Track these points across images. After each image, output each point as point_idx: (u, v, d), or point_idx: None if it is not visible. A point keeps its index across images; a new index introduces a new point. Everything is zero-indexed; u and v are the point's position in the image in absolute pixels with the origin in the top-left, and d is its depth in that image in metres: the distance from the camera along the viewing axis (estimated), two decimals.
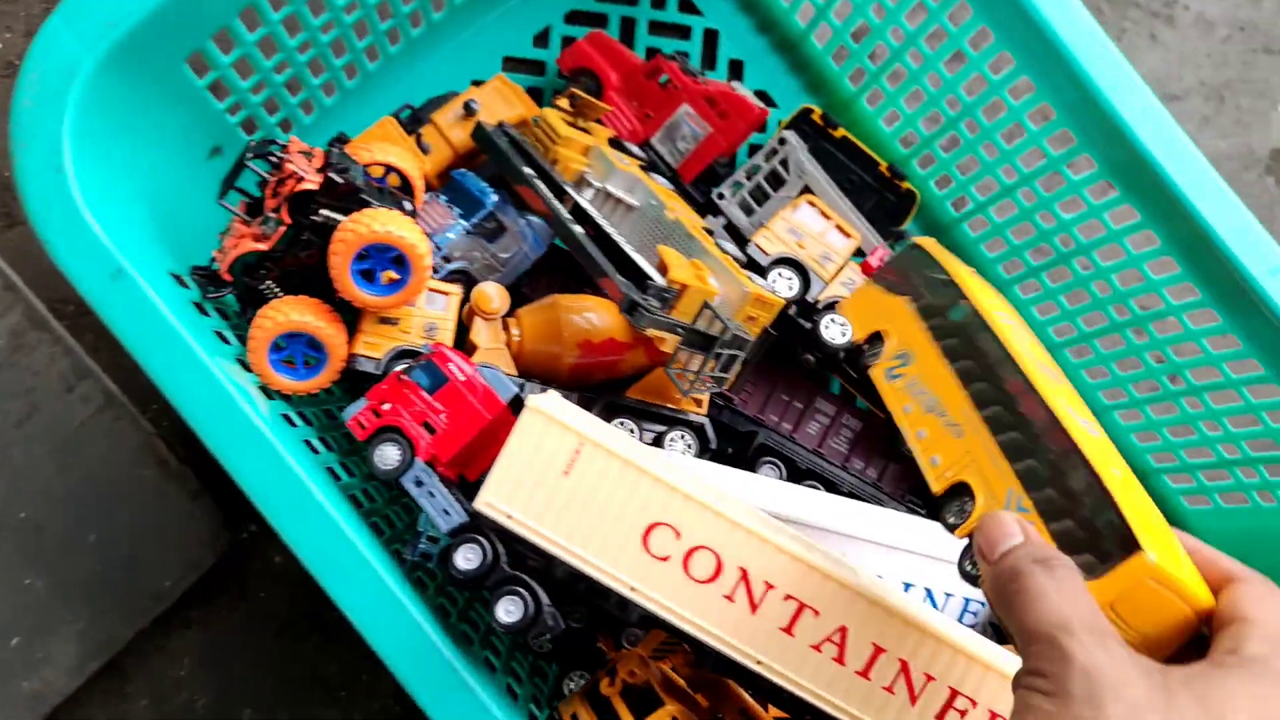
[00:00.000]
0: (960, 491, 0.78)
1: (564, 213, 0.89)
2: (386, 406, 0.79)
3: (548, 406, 0.75)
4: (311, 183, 0.84)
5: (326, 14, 0.95)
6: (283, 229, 0.85)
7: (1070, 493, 0.72)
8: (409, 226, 0.82)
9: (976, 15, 0.94)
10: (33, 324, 1.07)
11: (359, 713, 1.11)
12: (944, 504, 0.78)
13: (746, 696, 0.87)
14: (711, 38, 1.16)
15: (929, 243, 0.89)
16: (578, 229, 0.88)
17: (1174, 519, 1.13)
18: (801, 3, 1.11)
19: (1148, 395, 1.07)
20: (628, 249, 0.89)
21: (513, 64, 1.13)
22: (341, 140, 0.92)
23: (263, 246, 0.86)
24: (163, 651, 1.11)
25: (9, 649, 1.05)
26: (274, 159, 0.86)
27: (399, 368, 0.84)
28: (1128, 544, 0.66)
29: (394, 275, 0.83)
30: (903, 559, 0.90)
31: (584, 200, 0.93)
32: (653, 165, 1.05)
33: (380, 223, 0.81)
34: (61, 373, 1.07)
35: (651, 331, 0.86)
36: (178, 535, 1.08)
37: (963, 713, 0.73)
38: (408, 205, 0.88)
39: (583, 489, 0.74)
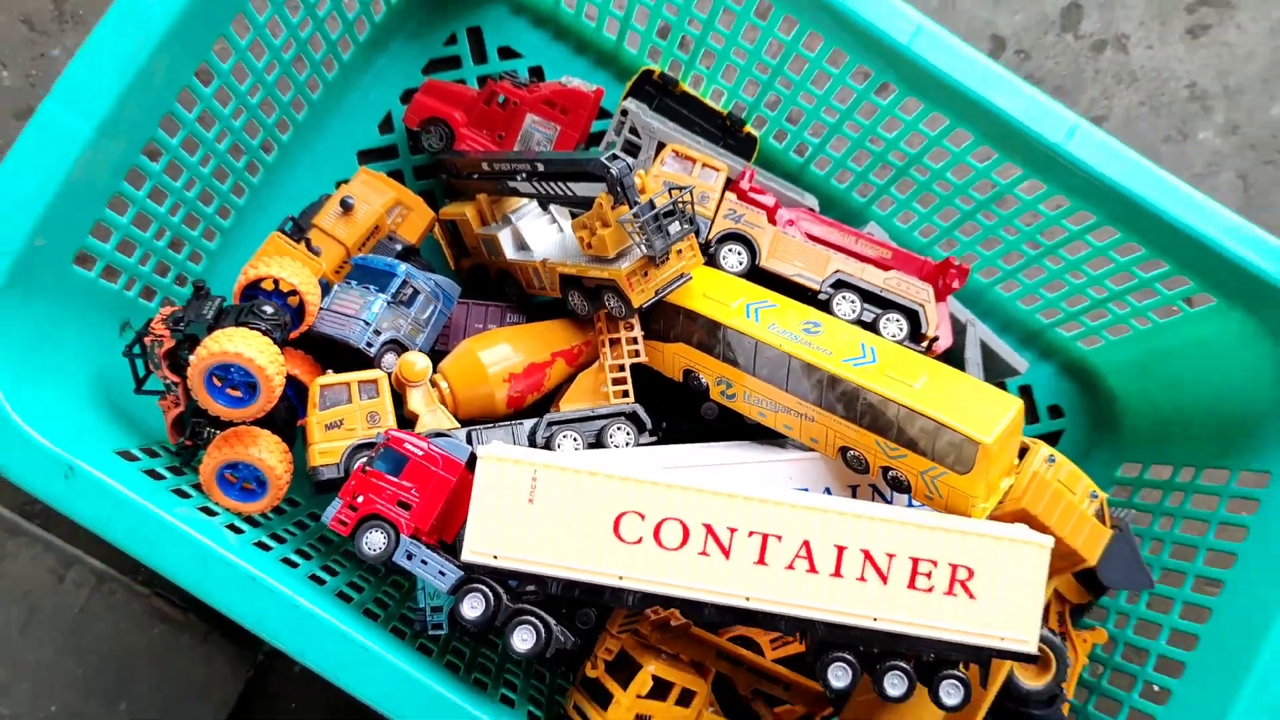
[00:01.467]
0: (847, 450, 0.96)
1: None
2: (360, 499, 0.86)
3: (497, 451, 0.83)
4: (170, 342, 0.92)
5: (186, 173, 1.02)
6: (181, 386, 0.93)
7: (899, 425, 0.88)
8: (252, 342, 0.87)
9: None
10: (10, 533, 1.12)
11: None
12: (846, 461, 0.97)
13: (718, 639, 0.96)
14: (536, 71, 1.24)
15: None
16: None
17: (1077, 362, 1.26)
18: (604, 19, 1.20)
19: (1017, 265, 1.18)
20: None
21: (367, 155, 1.21)
22: (198, 290, 0.96)
23: (177, 409, 0.95)
24: None
25: None
26: (143, 340, 0.94)
27: (360, 461, 0.91)
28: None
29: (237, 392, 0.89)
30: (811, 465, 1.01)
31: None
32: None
33: (220, 343, 0.86)
34: (50, 567, 1.13)
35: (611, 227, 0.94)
36: (201, 678, 1.15)
37: (929, 575, 0.82)
38: (268, 312, 0.94)
39: (549, 509, 0.83)
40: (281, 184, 1.17)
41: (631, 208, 0.92)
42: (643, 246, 0.93)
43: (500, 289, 1.12)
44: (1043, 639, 0.96)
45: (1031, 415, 1.26)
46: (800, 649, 1.01)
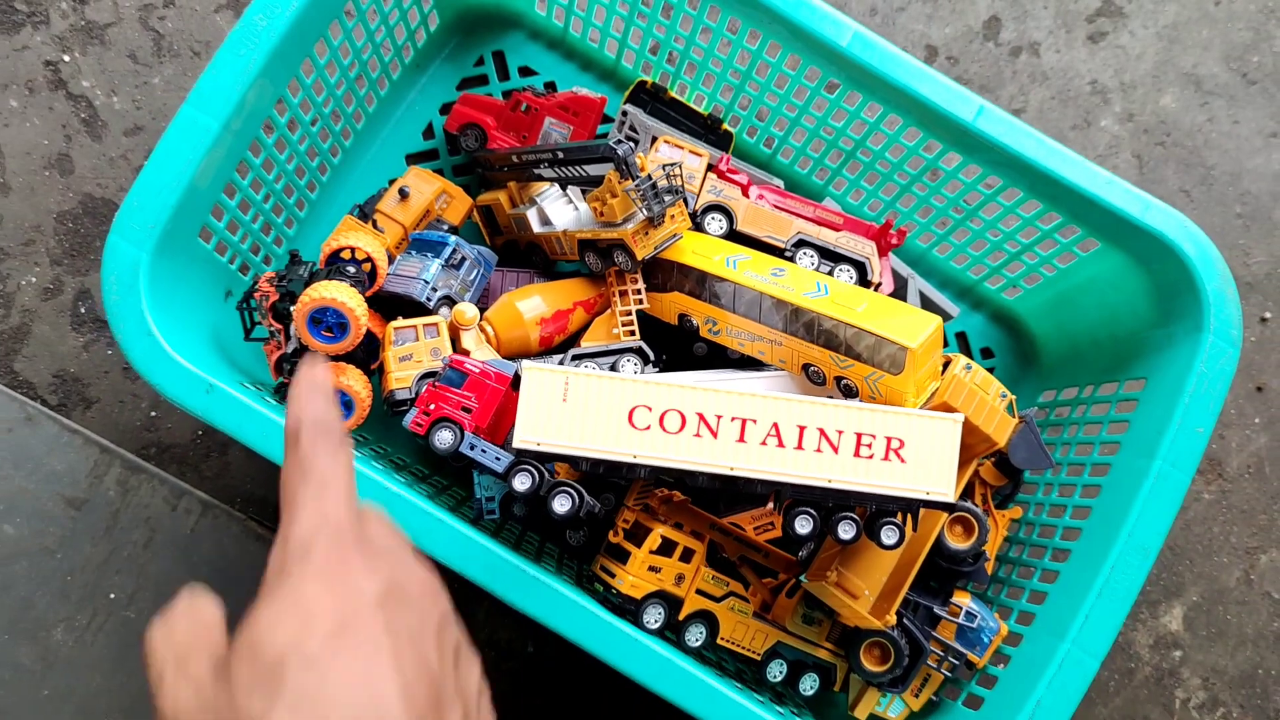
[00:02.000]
0: (808, 366, 1.21)
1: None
2: (432, 407, 1.12)
3: (538, 364, 1.09)
4: (275, 296, 1.18)
5: (275, 168, 1.28)
6: (282, 333, 1.19)
7: (847, 342, 1.14)
8: (340, 289, 1.12)
9: (725, 10, 1.30)
10: (132, 471, 1.37)
11: None
12: (808, 376, 1.23)
13: (706, 513, 1.22)
14: (550, 85, 1.51)
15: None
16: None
17: (1002, 310, 1.52)
18: (605, 41, 1.48)
19: (948, 229, 1.44)
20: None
21: (413, 158, 1.47)
22: (294, 258, 1.24)
23: (279, 352, 1.21)
24: None
25: None
26: (254, 297, 1.20)
27: (429, 381, 1.17)
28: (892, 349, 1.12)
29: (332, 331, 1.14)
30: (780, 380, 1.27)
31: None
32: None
33: (316, 292, 1.12)
34: (165, 498, 1.38)
35: (618, 194, 1.19)
36: None
37: (869, 446, 1.07)
38: (351, 271, 1.20)
39: (578, 407, 1.08)
40: (343, 183, 1.43)
41: (634, 180, 1.19)
42: (643, 210, 1.20)
43: (529, 258, 1.38)
44: (967, 510, 1.22)
45: (967, 357, 1.52)
46: (776, 534, 1.26)
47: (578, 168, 1.27)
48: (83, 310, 1.41)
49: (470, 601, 1.41)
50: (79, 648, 1.34)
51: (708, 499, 1.24)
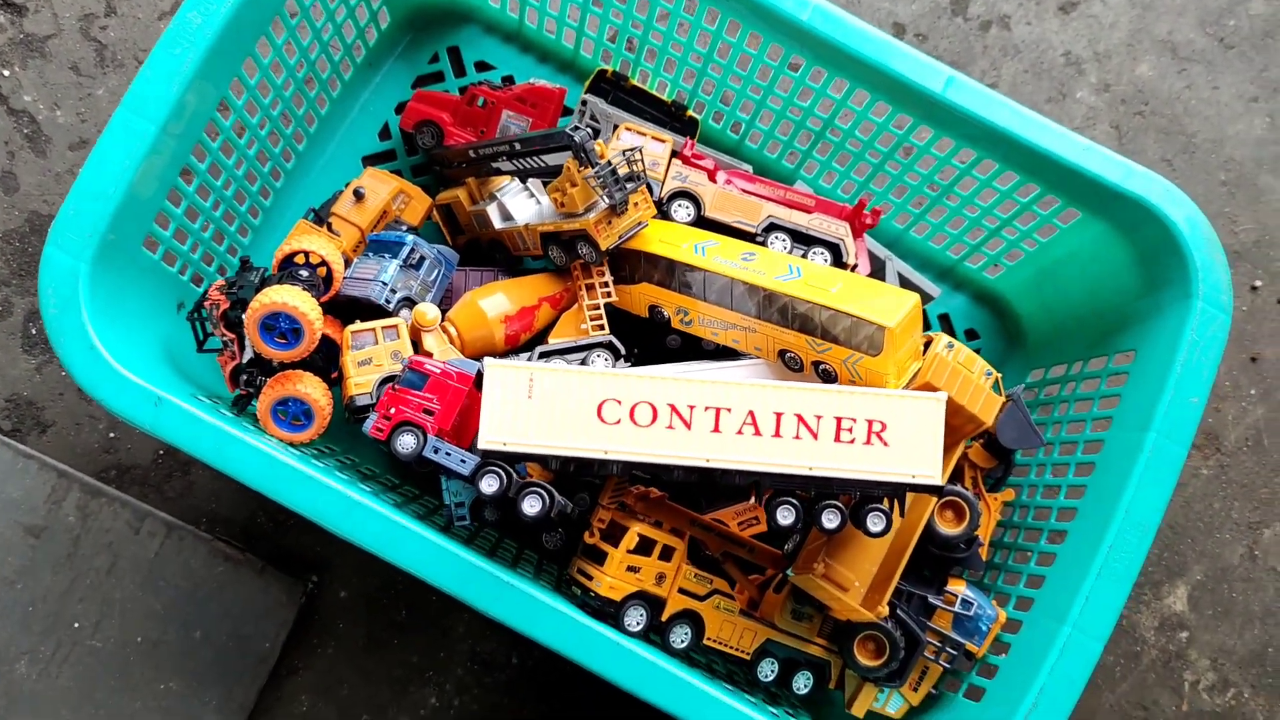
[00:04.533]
0: (785, 352, 1.17)
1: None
2: (392, 411, 1.07)
3: (501, 360, 1.04)
4: (226, 304, 1.13)
5: (224, 174, 1.24)
6: (236, 342, 1.14)
7: (822, 325, 1.09)
8: (293, 293, 1.07)
9: None
10: (91, 495, 1.32)
11: (449, 681, 1.37)
12: (785, 363, 1.18)
13: (685, 509, 1.17)
14: (509, 79, 1.47)
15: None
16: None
17: (986, 290, 1.47)
18: (563, 31, 1.43)
19: (924, 207, 1.40)
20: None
21: (370, 159, 1.42)
22: (245, 264, 1.19)
23: (234, 362, 1.16)
24: (283, 699, 1.36)
25: None
26: (204, 306, 1.15)
27: (388, 387, 1.12)
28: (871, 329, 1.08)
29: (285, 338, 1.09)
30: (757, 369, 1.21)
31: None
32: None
33: (270, 296, 1.07)
34: (127, 521, 1.33)
35: (579, 184, 1.15)
36: (261, 606, 1.34)
37: (850, 430, 1.03)
38: (304, 275, 1.15)
39: (544, 403, 1.03)
40: (298, 188, 1.39)
41: (593, 167, 1.14)
42: (604, 198, 1.15)
43: (491, 256, 1.34)
44: (957, 494, 1.17)
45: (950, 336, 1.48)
46: (762, 529, 1.21)
47: (536, 158, 1.22)
48: (34, 331, 1.36)
49: (449, 614, 1.37)
50: (44, 681, 1.29)
51: (687, 494, 1.19)
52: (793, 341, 1.16)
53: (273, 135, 1.30)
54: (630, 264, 1.24)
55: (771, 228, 1.27)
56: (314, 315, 1.09)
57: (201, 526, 1.35)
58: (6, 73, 1.39)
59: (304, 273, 1.15)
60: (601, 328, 1.22)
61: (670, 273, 1.21)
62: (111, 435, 1.36)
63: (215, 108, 1.15)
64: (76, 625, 1.31)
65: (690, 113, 1.40)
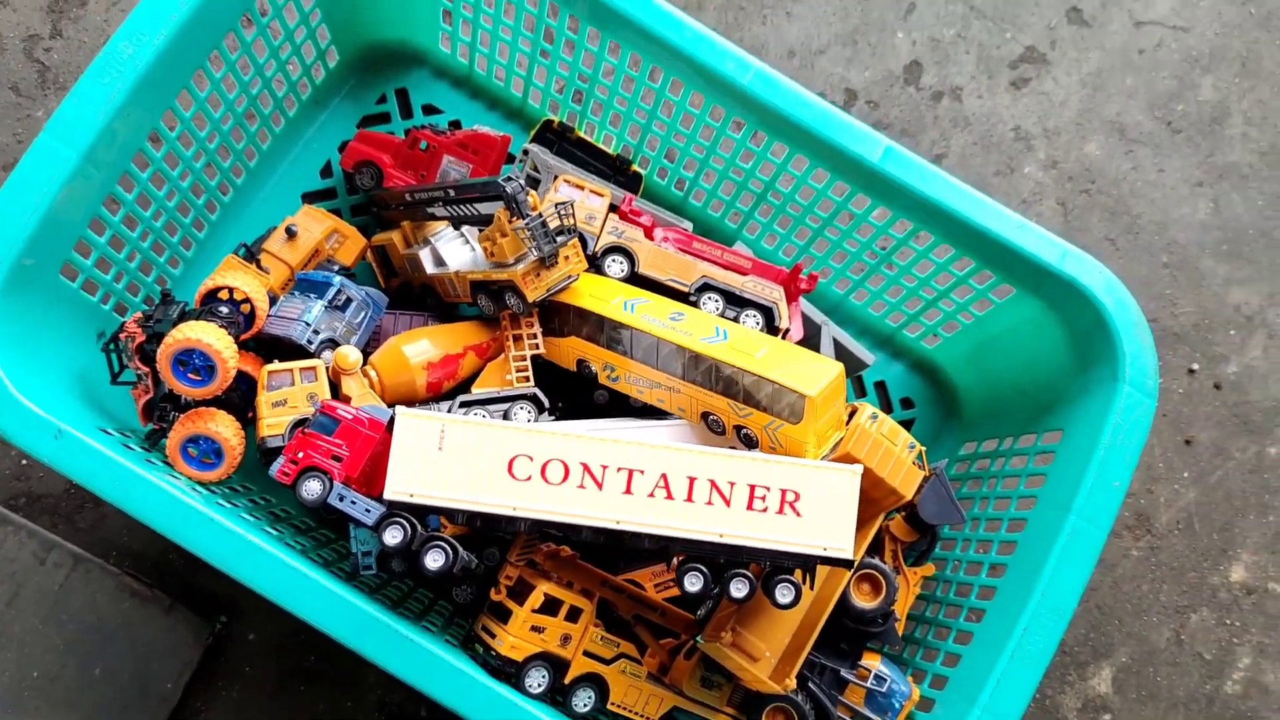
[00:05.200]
0: (708, 415, 1.16)
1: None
2: (300, 455, 1.05)
3: (413, 410, 1.02)
4: (140, 337, 1.11)
5: (154, 205, 1.22)
6: (150, 376, 1.12)
7: (745, 389, 1.09)
8: (206, 330, 1.06)
9: (626, 48, 1.26)
10: None
11: None
12: (707, 425, 1.17)
13: (597, 569, 1.15)
14: (455, 124, 1.46)
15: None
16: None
17: (923, 360, 1.47)
18: (511, 79, 1.43)
19: (863, 274, 1.39)
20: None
21: (310, 197, 1.41)
22: (166, 297, 1.16)
23: (147, 396, 1.13)
24: None
25: None
26: (119, 338, 1.13)
27: (297, 431, 1.10)
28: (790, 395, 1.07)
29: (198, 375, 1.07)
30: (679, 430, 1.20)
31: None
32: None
33: (184, 332, 1.05)
34: (33, 551, 1.29)
35: (509, 233, 1.14)
36: (166, 645, 1.31)
37: (763, 498, 1.01)
38: (225, 312, 1.13)
39: (455, 455, 1.01)
40: (235, 221, 1.37)
41: (524, 219, 1.13)
42: (534, 250, 1.14)
43: (423, 301, 1.32)
44: (874, 567, 1.16)
45: (886, 408, 1.47)
46: (676, 593, 1.19)
47: (470, 206, 1.21)
48: None
49: (360, 664, 1.33)
50: None
51: (601, 554, 1.17)
52: (716, 404, 1.15)
53: (208, 168, 1.29)
54: (560, 317, 1.23)
55: (705, 288, 1.26)
56: (228, 353, 1.07)
57: (111, 560, 1.32)
58: None
59: (224, 309, 1.13)
60: (527, 379, 1.21)
61: (599, 328, 1.20)
62: (24, 462, 1.33)
63: (145, 138, 1.14)
64: None
65: (635, 167, 1.40)
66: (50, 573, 1.29)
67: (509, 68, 1.40)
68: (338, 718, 1.34)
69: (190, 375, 1.08)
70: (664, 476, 1.03)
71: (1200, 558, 1.51)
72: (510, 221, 1.14)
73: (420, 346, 1.20)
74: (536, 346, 1.22)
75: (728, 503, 1.02)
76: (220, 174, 1.32)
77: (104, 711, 1.28)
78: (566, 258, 1.17)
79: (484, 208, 1.20)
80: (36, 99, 1.40)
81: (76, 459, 0.99)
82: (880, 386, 1.48)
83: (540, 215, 1.13)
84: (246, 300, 1.16)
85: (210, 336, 1.06)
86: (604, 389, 1.26)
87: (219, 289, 1.15)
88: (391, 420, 1.05)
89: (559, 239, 1.15)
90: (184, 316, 1.12)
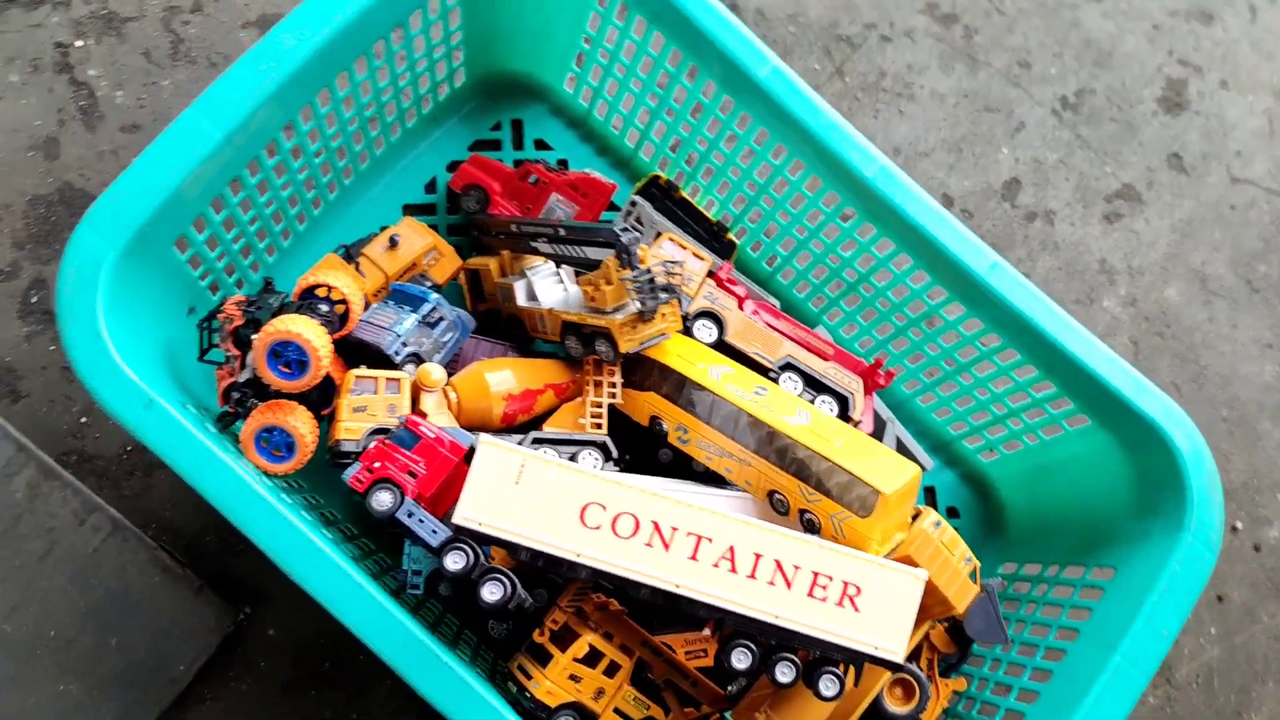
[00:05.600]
0: (774, 493, 1.17)
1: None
2: (376, 465, 1.05)
3: (496, 440, 1.03)
4: (240, 321, 1.12)
5: (270, 193, 1.23)
6: (239, 360, 1.13)
7: (819, 475, 1.10)
8: (305, 324, 1.07)
9: (756, 121, 1.28)
10: (45, 476, 1.29)
11: None
12: (771, 504, 1.18)
13: (645, 632, 1.15)
14: (562, 163, 1.48)
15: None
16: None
17: (976, 472, 1.47)
18: (627, 130, 1.45)
19: (935, 379, 1.40)
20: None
21: (411, 209, 1.43)
22: (268, 285, 1.18)
23: (230, 379, 1.14)
24: None
25: None
26: (217, 318, 1.14)
27: (379, 437, 1.10)
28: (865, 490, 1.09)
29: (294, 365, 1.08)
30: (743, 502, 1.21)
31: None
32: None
33: (279, 325, 1.06)
34: (74, 510, 1.29)
35: (615, 281, 1.15)
36: (187, 626, 1.30)
37: (825, 587, 1.01)
38: (323, 310, 1.14)
39: (530, 492, 1.02)
40: (334, 220, 1.39)
41: (633, 270, 1.14)
42: (636, 303, 1.15)
43: (507, 331, 1.33)
44: (911, 673, 1.16)
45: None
46: (708, 663, 1.19)
47: (577, 248, 1.23)
48: (34, 300, 1.34)
49: (373, 678, 1.33)
50: None
51: (644, 613, 1.17)
52: (785, 484, 1.15)
53: (325, 165, 1.30)
54: (642, 370, 1.24)
55: (787, 366, 1.28)
56: (324, 351, 1.08)
57: (149, 532, 1.31)
58: (80, 43, 1.40)
59: (323, 307, 1.14)
60: (599, 427, 1.22)
61: (679, 388, 1.21)
62: (83, 420, 1.33)
63: (280, 128, 1.15)
64: None
65: (731, 236, 1.41)
66: (87, 535, 1.29)
67: (628, 118, 1.42)
68: None
69: (282, 367, 1.08)
70: (731, 549, 1.03)
71: (1215, 715, 1.51)
72: (618, 270, 1.15)
73: (503, 376, 1.21)
74: (615, 396, 1.23)
75: (789, 585, 1.03)
76: (333, 172, 1.33)
77: (112, 683, 1.27)
78: (663, 315, 1.19)
79: (590, 252, 1.21)
80: (165, 69, 1.43)
81: (162, 432, 1.00)
82: (929, 491, 1.48)
83: (649, 271, 1.15)
84: (343, 301, 1.17)
85: (310, 332, 1.07)
86: (670, 448, 1.26)
87: (319, 286, 1.16)
88: (472, 447, 1.06)
89: (662, 295, 1.16)
90: (283, 308, 1.13)
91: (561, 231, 1.23)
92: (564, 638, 1.11)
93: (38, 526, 1.28)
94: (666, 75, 1.32)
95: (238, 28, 1.45)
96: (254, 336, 1.10)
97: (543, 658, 1.10)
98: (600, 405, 1.22)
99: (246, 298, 1.15)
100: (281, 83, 1.07)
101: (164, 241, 1.11)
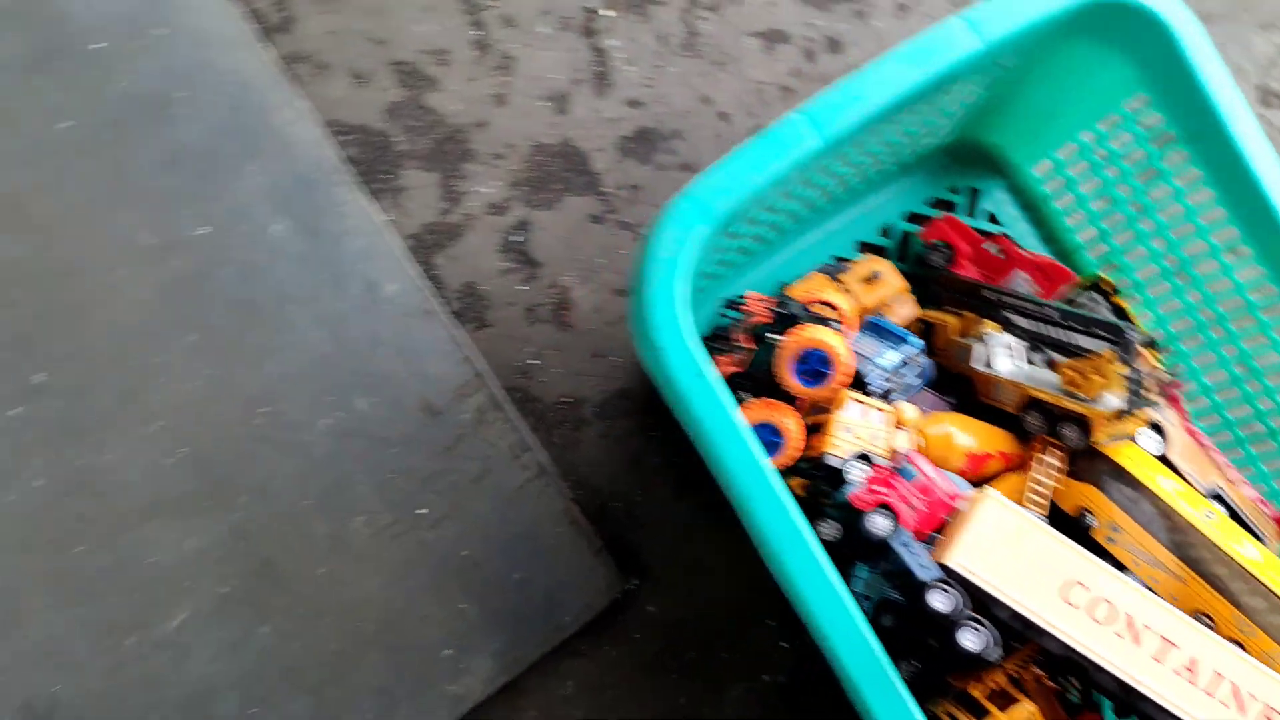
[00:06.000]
0: (1201, 614, 1.18)
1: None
2: (881, 490, 1.10)
3: (999, 496, 1.07)
4: (763, 318, 1.17)
5: (792, 202, 1.30)
6: (749, 352, 1.18)
7: (1260, 613, 1.12)
8: (833, 336, 1.14)
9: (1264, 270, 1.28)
10: (493, 405, 1.37)
11: None
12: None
13: (1062, 709, 1.18)
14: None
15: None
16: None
17: None
18: (1085, 227, 1.49)
19: None
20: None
21: (864, 247, 1.48)
22: (785, 294, 1.25)
23: (736, 368, 1.20)
24: (554, 674, 1.36)
25: (441, 658, 1.31)
26: (739, 308, 1.20)
27: (879, 464, 1.14)
28: None
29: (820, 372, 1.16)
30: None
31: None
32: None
33: (811, 333, 1.14)
34: (510, 445, 1.36)
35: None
36: (580, 582, 1.36)
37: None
38: (834, 325, 1.20)
39: (1020, 554, 1.06)
40: (796, 239, 1.45)
41: (1130, 370, 1.18)
42: (1121, 402, 1.19)
43: (950, 386, 1.37)
44: None
45: None
46: None
47: (1060, 329, 1.27)
48: (513, 239, 1.42)
49: (732, 676, 1.37)
50: (371, 544, 1.32)
51: (1075, 705, 1.19)
52: (1218, 609, 1.17)
53: (824, 190, 1.36)
54: (1084, 463, 1.27)
55: (1215, 497, 1.30)
56: (849, 362, 1.14)
57: (569, 482, 1.38)
58: (608, 13, 1.49)
59: (834, 321, 1.20)
60: (1042, 504, 1.25)
61: (1122, 490, 1.23)
62: (531, 362, 1.40)
63: (847, 147, 1.17)
64: (420, 512, 1.34)
65: (1158, 354, 1.44)
66: (516, 471, 1.36)
67: (1093, 216, 1.46)
68: (693, 715, 1.37)
69: (803, 375, 1.14)
70: (1194, 660, 1.06)
71: None
72: (1115, 366, 1.19)
73: (968, 435, 1.26)
74: (1058, 478, 1.26)
75: (1243, 711, 1.05)
76: (815, 193, 1.39)
77: (507, 615, 1.34)
78: (1134, 417, 1.22)
79: (1078, 338, 1.25)
80: (674, 56, 1.50)
81: (703, 401, 1.04)
82: None
83: (1142, 373, 1.18)
84: (841, 323, 1.22)
85: (836, 342, 1.13)
86: (1093, 543, 1.29)
87: (825, 302, 1.22)
88: (978, 499, 1.10)
89: (1144, 401, 1.19)
90: (794, 318, 1.18)
91: (1054, 313, 1.27)
92: (1005, 698, 1.14)
93: (477, 451, 1.35)
94: (1167, 191, 1.34)
95: (744, 34, 1.52)
96: (771, 336, 1.15)
97: (978, 711, 1.13)
98: (1045, 485, 1.25)
99: (769, 296, 1.20)
100: (884, 110, 1.09)
101: (736, 225, 1.17)
